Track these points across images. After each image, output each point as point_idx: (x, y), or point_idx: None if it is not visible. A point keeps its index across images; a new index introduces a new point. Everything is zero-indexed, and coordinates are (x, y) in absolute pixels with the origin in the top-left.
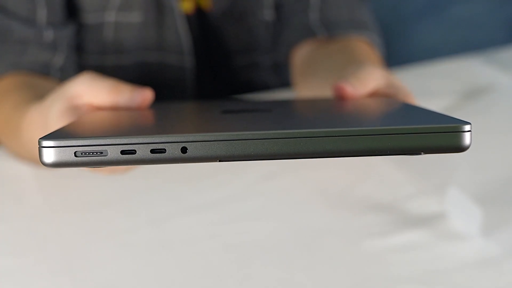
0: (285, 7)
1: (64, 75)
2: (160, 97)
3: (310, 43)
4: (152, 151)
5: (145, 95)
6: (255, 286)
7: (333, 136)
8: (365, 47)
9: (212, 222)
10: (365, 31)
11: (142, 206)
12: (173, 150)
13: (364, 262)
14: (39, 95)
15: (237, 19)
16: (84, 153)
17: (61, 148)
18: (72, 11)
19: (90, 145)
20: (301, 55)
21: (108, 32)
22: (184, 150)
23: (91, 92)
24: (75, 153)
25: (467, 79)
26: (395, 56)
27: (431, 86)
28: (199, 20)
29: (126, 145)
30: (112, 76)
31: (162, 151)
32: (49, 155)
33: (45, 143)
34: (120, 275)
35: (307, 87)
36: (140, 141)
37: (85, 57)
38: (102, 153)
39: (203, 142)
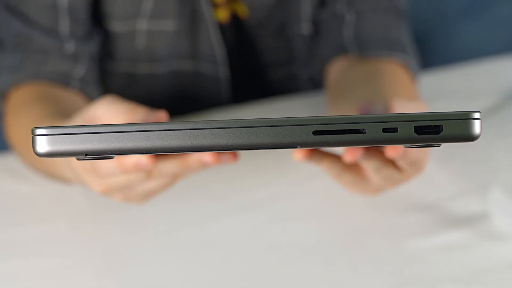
0: (322, 22)
1: (84, 86)
2: (196, 107)
3: (342, 60)
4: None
5: (159, 117)
6: (299, 286)
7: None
8: (398, 72)
9: (254, 222)
10: (399, 53)
11: (184, 206)
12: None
13: (407, 262)
14: (60, 109)
15: (274, 30)
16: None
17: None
18: (99, 19)
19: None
20: (334, 73)
21: (140, 40)
22: None
23: (109, 114)
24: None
25: (511, 79)
26: (439, 56)
27: (474, 86)
28: (235, 29)
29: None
30: (145, 85)
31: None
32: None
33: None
34: (163, 276)
35: (337, 112)
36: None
37: (116, 65)
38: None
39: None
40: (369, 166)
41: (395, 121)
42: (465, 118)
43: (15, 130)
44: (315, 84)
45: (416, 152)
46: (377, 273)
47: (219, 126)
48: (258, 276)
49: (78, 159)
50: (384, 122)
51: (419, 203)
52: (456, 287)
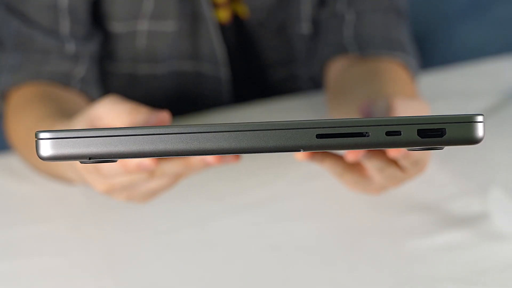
0: (322, 22)
1: (84, 86)
2: (197, 108)
3: (342, 59)
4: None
5: (161, 117)
6: (299, 286)
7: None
8: (398, 72)
9: (254, 222)
10: (399, 52)
11: (184, 206)
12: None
13: (407, 262)
14: (61, 109)
15: (275, 30)
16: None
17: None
18: (99, 19)
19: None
20: (334, 73)
21: (141, 41)
22: None
23: (112, 114)
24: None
25: (510, 79)
26: (439, 56)
27: (474, 86)
28: (236, 29)
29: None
30: (146, 85)
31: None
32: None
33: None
34: (163, 276)
35: (338, 111)
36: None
37: (117, 65)
38: None
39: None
40: (372, 166)
41: (398, 125)
42: (469, 121)
43: (16, 130)
44: (316, 84)
45: (418, 151)
46: (377, 273)
47: (223, 130)
48: (258, 276)
49: (81, 162)
50: (387, 125)
51: (419, 203)
52: (456, 287)
